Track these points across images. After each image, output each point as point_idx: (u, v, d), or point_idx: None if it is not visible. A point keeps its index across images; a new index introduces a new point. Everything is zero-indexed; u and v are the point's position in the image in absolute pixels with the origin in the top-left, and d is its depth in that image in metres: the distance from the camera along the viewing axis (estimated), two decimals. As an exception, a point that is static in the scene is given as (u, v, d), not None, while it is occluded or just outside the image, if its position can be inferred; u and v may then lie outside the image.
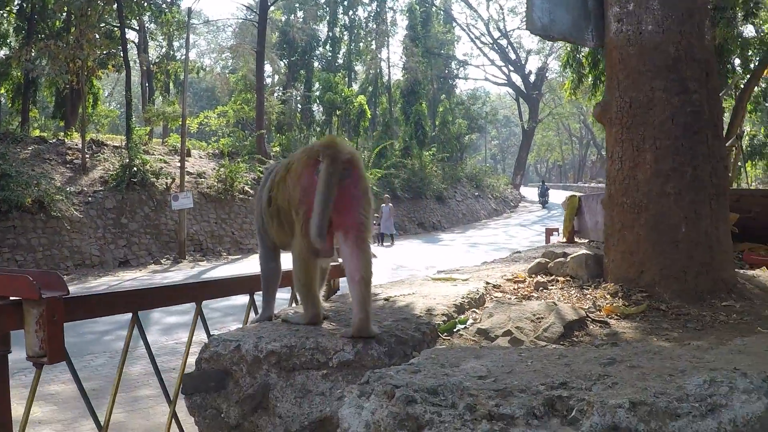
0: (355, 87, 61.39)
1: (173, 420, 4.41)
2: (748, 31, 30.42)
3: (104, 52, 38.61)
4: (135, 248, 29.66)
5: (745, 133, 44.90)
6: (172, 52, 48.62)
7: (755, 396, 2.29)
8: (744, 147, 44.66)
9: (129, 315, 4.10)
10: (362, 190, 3.56)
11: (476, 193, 58.73)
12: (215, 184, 35.64)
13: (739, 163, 42.37)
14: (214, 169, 37.19)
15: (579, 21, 5.69)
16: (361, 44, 64.05)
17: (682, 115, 4.98)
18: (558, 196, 58.14)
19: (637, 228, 5.07)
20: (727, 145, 19.81)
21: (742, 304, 4.84)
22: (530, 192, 78.84)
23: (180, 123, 35.41)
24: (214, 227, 33.79)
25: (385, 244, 36.78)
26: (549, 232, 15.22)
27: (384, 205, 37.93)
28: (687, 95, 5.01)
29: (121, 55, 38.91)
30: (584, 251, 5.74)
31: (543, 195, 66.05)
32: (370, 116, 54.33)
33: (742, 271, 6.26)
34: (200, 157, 39.65)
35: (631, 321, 4.42)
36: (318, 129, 55.18)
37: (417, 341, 3.69)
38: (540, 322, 4.12)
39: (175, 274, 26.43)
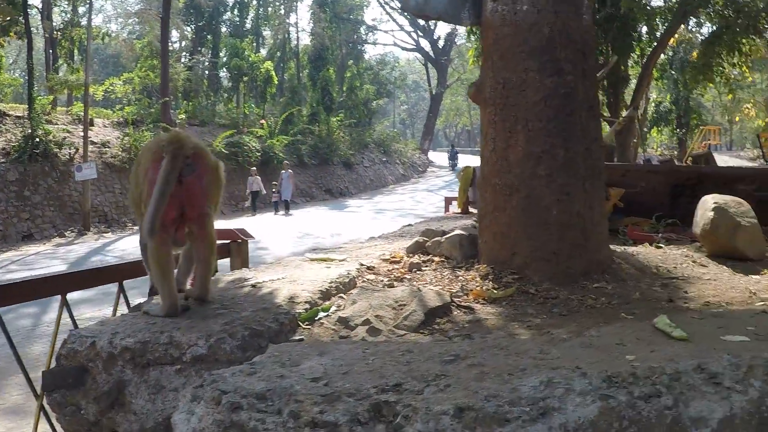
0: (263, 52, 60.76)
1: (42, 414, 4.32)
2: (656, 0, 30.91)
3: (6, 19, 37.70)
4: (39, 221, 29.11)
5: (651, 99, 45.69)
6: (76, 18, 47.57)
7: (590, 399, 2.28)
8: (650, 113, 45.45)
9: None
10: (207, 183, 3.85)
11: (384, 159, 58.56)
12: (119, 153, 35.08)
13: (645, 129, 43.13)
14: (119, 138, 36.61)
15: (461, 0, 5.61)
16: (270, 9, 63.54)
17: (556, 97, 4.96)
18: (467, 161, 58.56)
19: (509, 210, 5.04)
20: (624, 115, 20.05)
21: (614, 285, 4.87)
22: (439, 157, 78.83)
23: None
24: (119, 198, 33.28)
25: (289, 213, 36.46)
26: (448, 201, 15.20)
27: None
28: (561, 76, 4.98)
29: (23, 21, 38.09)
30: (459, 232, 5.68)
31: (452, 158, 66.91)
32: (277, 82, 53.93)
33: (623, 248, 6.29)
34: (104, 126, 38.93)
35: (497, 305, 4.40)
36: (225, 95, 54.73)
37: (274, 333, 3.65)
38: (402, 309, 4.07)
39: (80, 247, 26.04)
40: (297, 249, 20.63)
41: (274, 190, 37.34)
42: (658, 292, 4.83)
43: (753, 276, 5.62)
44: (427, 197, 44.08)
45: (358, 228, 25.10)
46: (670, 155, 45.63)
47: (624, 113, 25.80)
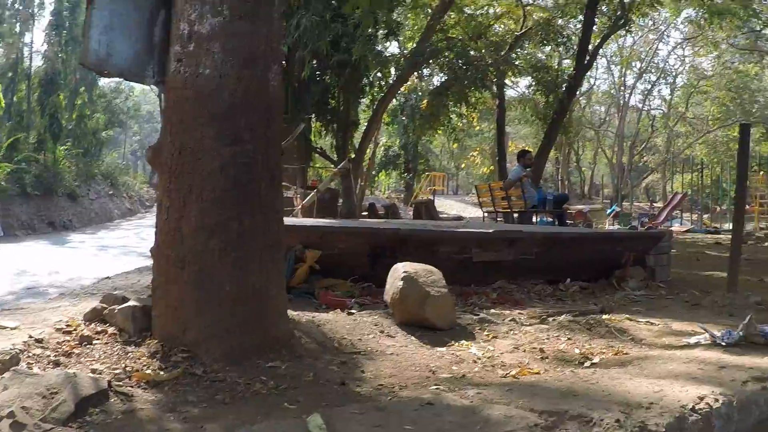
0: (-5, 72, 58.22)
1: None
2: (393, 47, 31.63)
3: None
4: None
5: (381, 143, 46.71)
6: None
7: None
8: (379, 157, 46.47)
9: None
10: None
11: (111, 192, 56.82)
12: None
13: (373, 172, 43.98)
14: None
15: (142, 56, 5.27)
16: (5, 26, 61.12)
17: (232, 167, 4.75)
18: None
19: (181, 283, 4.76)
20: (339, 167, 20.31)
21: (289, 365, 4.69)
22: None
23: None
24: None
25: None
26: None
27: None
28: (239, 145, 4.78)
29: None
30: (132, 303, 5.33)
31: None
32: (3, 106, 51.77)
33: (314, 315, 6.16)
34: None
35: (159, 390, 4.10)
36: (-50, 118, 52.19)
37: None
38: (53, 397, 3.72)
39: None
40: (12, 288, 19.69)
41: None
42: (333, 372, 4.71)
43: (438, 348, 5.64)
44: (152, 234, 43.19)
45: (79, 266, 24.26)
46: (397, 198, 46.91)
47: (353, 155, 26.18)
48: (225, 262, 4.71)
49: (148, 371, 4.38)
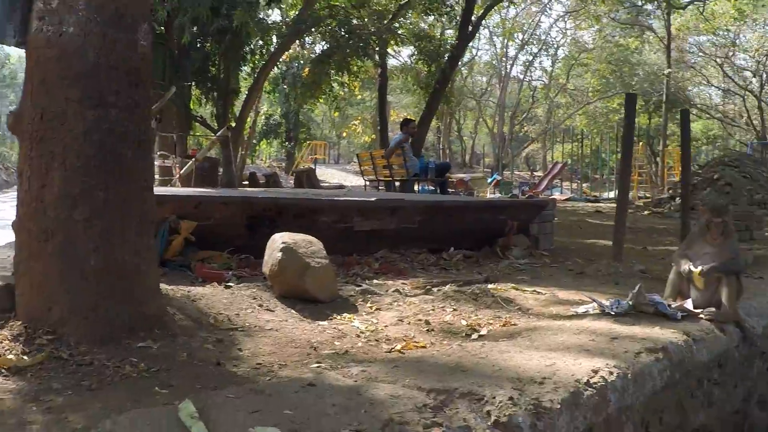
0: None
1: None
2: (275, 15, 31.27)
3: None
4: None
5: (262, 112, 46.31)
6: None
7: None
8: (260, 126, 46.16)
9: None
10: None
11: (-13, 164, 55.52)
12: None
13: (254, 141, 43.63)
14: None
15: (3, 15, 4.95)
16: None
17: (97, 132, 4.41)
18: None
19: (44, 258, 4.41)
20: (218, 134, 19.96)
21: (162, 344, 4.40)
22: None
23: None
24: None
25: None
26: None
27: None
28: (104, 109, 4.44)
29: None
30: (-7, 280, 4.99)
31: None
32: None
33: (189, 290, 5.86)
34: None
35: (21, 377, 3.75)
36: None
37: None
38: None
39: None
40: None
41: None
42: (209, 351, 4.46)
43: (320, 322, 5.48)
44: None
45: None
46: (278, 167, 46.66)
47: (233, 124, 25.82)
48: (90, 233, 4.38)
49: (11, 356, 4.02)
